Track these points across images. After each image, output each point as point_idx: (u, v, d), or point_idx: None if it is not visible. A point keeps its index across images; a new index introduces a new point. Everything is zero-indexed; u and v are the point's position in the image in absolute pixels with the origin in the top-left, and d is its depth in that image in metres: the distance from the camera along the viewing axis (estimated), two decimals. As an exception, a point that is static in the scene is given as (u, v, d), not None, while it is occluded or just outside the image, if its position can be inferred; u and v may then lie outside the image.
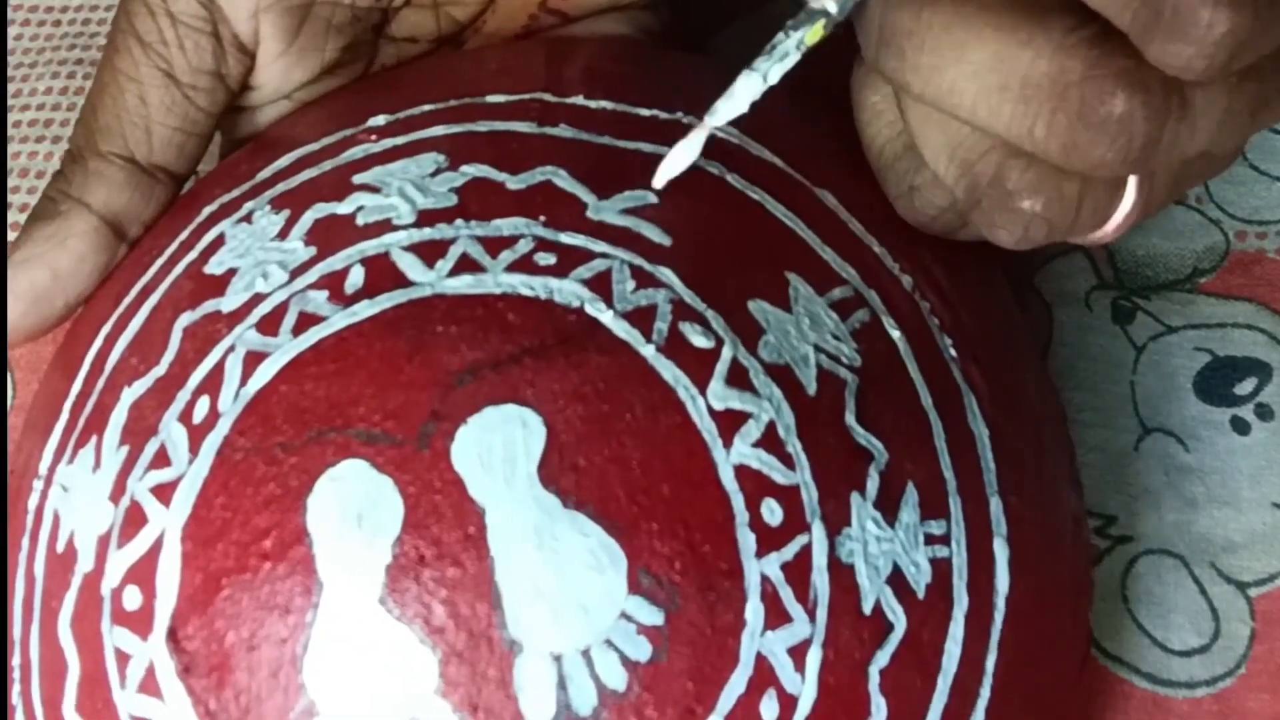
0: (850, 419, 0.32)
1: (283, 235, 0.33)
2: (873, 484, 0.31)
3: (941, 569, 0.32)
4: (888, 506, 0.31)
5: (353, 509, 0.29)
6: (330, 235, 0.33)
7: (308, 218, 0.33)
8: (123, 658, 0.30)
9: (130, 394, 0.33)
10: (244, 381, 0.31)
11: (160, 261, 0.35)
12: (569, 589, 0.28)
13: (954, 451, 0.33)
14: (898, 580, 0.31)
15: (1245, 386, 0.42)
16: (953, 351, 0.34)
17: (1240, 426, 0.42)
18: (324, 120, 0.37)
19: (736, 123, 0.35)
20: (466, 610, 0.28)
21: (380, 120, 0.36)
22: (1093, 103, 0.30)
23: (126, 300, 0.35)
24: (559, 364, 0.30)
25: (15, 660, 0.33)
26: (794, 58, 0.32)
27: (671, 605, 0.29)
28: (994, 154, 0.32)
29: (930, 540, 0.32)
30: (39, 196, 0.37)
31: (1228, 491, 0.41)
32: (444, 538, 0.28)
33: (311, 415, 0.30)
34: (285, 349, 0.31)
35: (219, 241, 0.34)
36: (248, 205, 0.35)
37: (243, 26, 0.37)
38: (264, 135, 0.39)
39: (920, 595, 0.31)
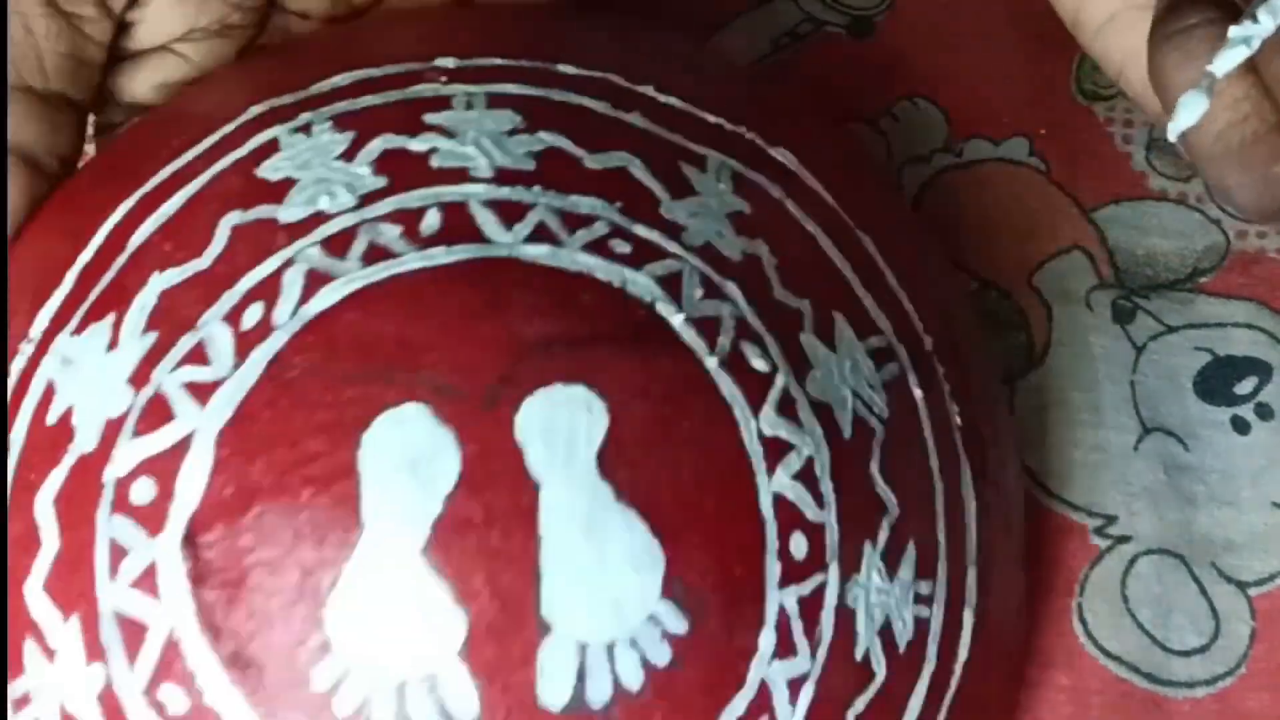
0: (874, 468, 0.32)
1: (348, 157, 0.33)
2: (883, 535, 0.32)
3: (921, 629, 0.33)
4: (891, 560, 0.32)
5: (409, 454, 0.28)
6: (403, 170, 0.32)
7: (376, 145, 0.33)
8: (118, 550, 0.29)
9: (161, 280, 0.31)
10: (304, 299, 0.30)
11: (195, 151, 0.34)
12: (608, 581, 0.28)
13: (948, 518, 0.34)
14: (887, 633, 0.32)
15: (1245, 386, 0.42)
16: (958, 419, 0.35)
17: (1240, 426, 0.41)
18: (384, 46, 0.36)
19: (791, 146, 0.35)
20: (506, 582, 0.28)
21: (449, 62, 0.35)
22: None
23: (154, 181, 0.34)
24: (631, 357, 0.30)
25: None
26: None
27: (698, 617, 0.29)
28: None
29: (918, 599, 0.33)
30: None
31: (1228, 491, 0.40)
32: (497, 504, 0.28)
33: (378, 351, 0.29)
34: (353, 277, 0.30)
35: (272, 146, 0.33)
36: (304, 116, 0.34)
37: None
38: (303, 46, 0.38)
39: (901, 650, 0.32)
